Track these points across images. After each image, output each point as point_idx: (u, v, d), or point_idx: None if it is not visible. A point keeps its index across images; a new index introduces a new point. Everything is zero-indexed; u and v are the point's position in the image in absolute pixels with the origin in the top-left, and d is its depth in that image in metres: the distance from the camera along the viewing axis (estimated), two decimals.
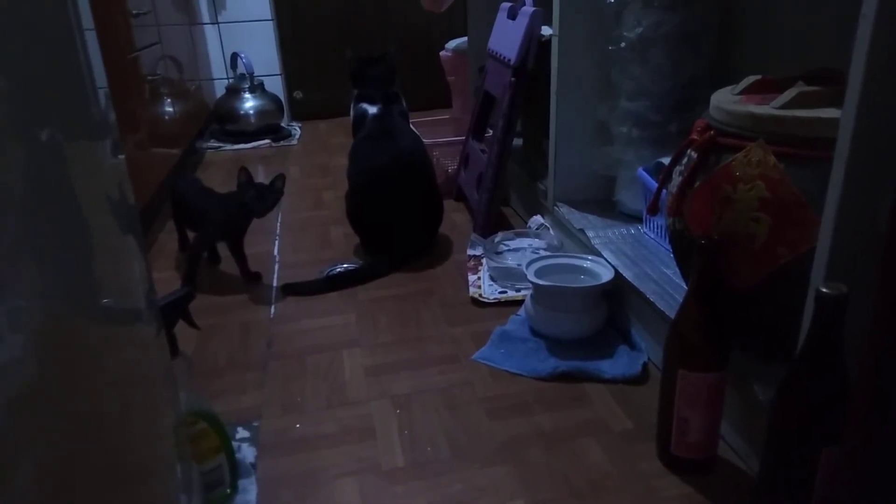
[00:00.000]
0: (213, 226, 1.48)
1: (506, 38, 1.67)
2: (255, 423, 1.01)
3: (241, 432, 0.98)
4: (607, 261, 1.22)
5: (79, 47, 0.53)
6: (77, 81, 0.53)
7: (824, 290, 0.62)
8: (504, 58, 1.64)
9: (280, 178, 1.45)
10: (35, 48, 0.46)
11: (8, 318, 0.38)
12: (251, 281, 1.52)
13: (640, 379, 1.07)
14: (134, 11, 1.76)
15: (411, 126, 1.67)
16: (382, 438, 0.97)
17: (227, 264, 1.59)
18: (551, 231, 1.54)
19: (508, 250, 1.51)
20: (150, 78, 1.90)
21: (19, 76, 0.43)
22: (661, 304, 1.05)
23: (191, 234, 1.61)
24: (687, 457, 0.86)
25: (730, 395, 0.85)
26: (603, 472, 0.89)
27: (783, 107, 0.77)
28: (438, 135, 2.13)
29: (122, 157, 0.65)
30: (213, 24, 3.00)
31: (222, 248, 1.56)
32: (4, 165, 0.40)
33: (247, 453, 0.94)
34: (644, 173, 1.26)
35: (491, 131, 1.82)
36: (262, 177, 2.39)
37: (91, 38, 0.57)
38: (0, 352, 0.37)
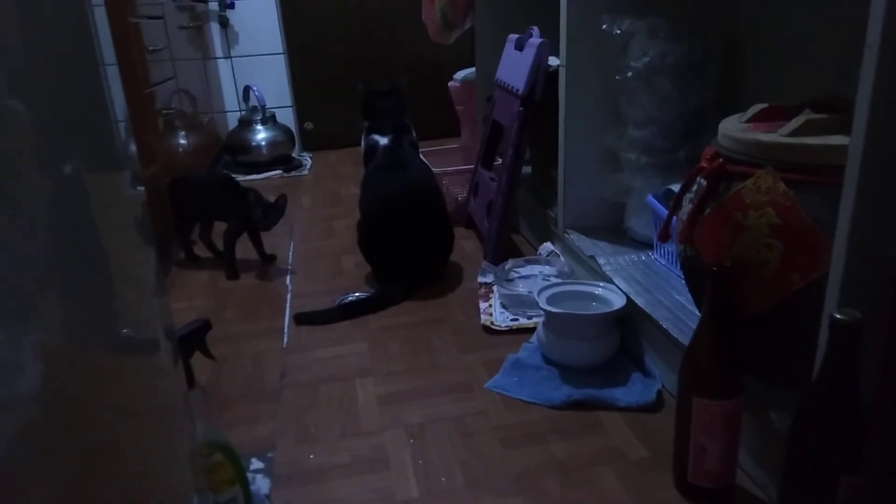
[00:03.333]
0: (240, 219, 1.69)
1: (513, 68, 1.69)
2: (269, 454, 1.00)
3: (256, 463, 0.98)
4: (619, 287, 1.22)
5: (103, 82, 0.55)
6: (101, 115, 0.55)
7: (838, 316, 0.62)
8: (512, 88, 1.67)
9: (282, 198, 1.70)
10: (62, 82, 0.47)
11: (31, 348, 0.39)
12: (267, 262, 1.77)
13: (655, 406, 1.06)
14: (150, 48, 1.81)
15: (421, 156, 1.70)
16: (396, 468, 0.97)
17: (240, 294, 1.60)
18: (562, 258, 1.54)
19: (519, 277, 1.51)
20: (164, 111, 1.94)
21: (47, 110, 0.44)
22: (674, 331, 1.05)
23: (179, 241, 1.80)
24: (704, 486, 0.85)
25: (746, 423, 0.84)
26: (619, 501, 0.88)
27: (791, 134, 0.78)
28: (448, 163, 2.15)
29: (141, 188, 0.67)
30: (226, 58, 3.06)
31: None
32: (32, 197, 0.41)
33: (261, 485, 0.94)
34: (653, 200, 1.26)
35: (500, 159, 1.84)
36: None
37: (113, 73, 0.59)
38: (21, 380, 0.37)
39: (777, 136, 0.79)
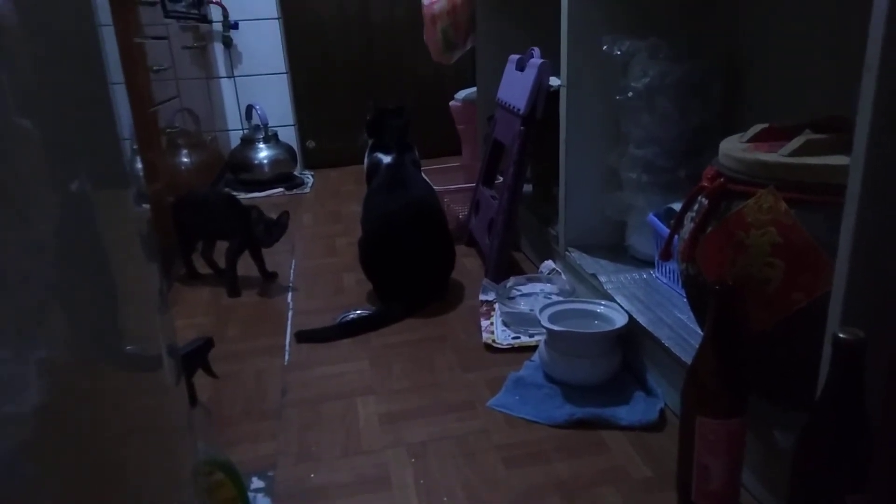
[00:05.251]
0: (243, 238, 1.69)
1: (514, 88, 1.71)
2: (270, 473, 1.00)
3: (256, 482, 0.97)
4: (621, 306, 1.22)
5: (110, 100, 0.56)
6: (108, 133, 0.55)
7: (841, 335, 0.62)
8: (513, 107, 1.68)
9: (285, 214, 1.72)
10: (71, 100, 0.48)
11: (36, 364, 0.39)
12: (269, 280, 1.76)
13: (658, 425, 1.06)
14: (154, 67, 1.82)
15: (423, 175, 1.71)
16: (398, 488, 0.96)
17: (242, 311, 1.60)
18: (563, 276, 1.54)
19: (521, 295, 1.51)
20: (168, 130, 1.95)
21: (56, 128, 0.45)
22: (676, 350, 1.05)
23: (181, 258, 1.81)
24: None
25: (750, 442, 0.84)
26: None
27: (792, 154, 0.79)
28: (449, 182, 2.16)
29: (146, 206, 0.67)
30: (229, 77, 3.09)
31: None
32: (40, 214, 0.41)
33: None
34: (654, 219, 1.27)
35: (501, 178, 1.85)
36: None
37: (121, 92, 0.59)
38: (26, 397, 0.37)
39: (778, 155, 0.80)
